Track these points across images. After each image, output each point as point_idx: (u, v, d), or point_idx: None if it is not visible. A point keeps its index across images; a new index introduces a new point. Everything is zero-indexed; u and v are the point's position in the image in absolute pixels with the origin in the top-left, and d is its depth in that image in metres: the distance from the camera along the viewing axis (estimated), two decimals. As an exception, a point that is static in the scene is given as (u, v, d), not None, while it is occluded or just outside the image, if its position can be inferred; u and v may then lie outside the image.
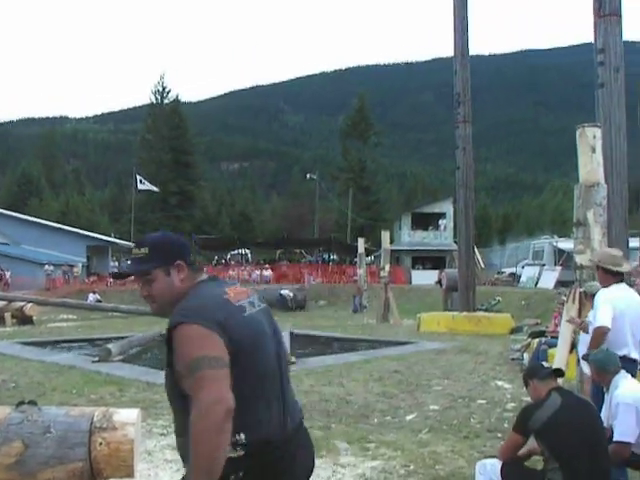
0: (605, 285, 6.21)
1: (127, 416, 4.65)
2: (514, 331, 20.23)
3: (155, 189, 66.94)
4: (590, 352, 5.52)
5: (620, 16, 12.50)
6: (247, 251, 60.44)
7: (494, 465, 4.36)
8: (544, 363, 6.42)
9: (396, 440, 7.34)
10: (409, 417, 8.51)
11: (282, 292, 36.20)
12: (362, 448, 7.03)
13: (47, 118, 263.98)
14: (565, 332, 8.02)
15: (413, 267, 55.64)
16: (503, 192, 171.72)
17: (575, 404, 4.14)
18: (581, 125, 8.54)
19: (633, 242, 28.08)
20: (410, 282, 49.70)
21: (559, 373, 4.63)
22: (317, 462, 6.44)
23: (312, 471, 2.79)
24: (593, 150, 8.32)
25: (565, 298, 8.97)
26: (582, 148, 8.38)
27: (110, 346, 14.11)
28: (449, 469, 6.30)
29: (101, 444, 4.47)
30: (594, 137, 8.36)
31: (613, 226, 10.67)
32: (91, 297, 36.04)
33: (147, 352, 17.35)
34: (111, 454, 4.47)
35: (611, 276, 6.18)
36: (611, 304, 5.93)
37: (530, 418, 4.08)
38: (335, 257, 58.59)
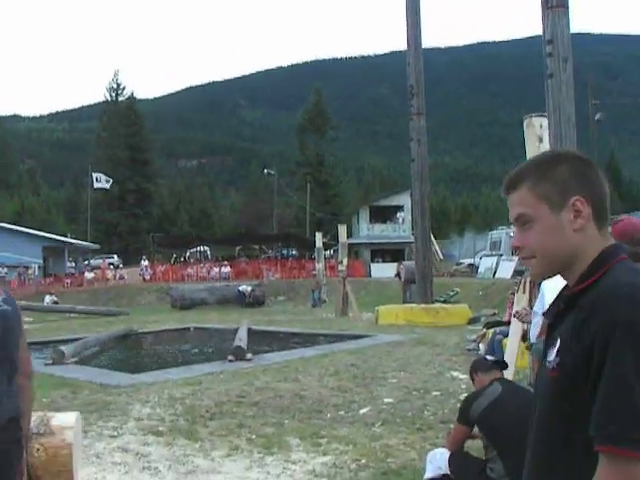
0: None
1: (65, 420, 4.56)
2: (472, 322, 20.38)
3: (110, 181, 66.16)
4: (536, 342, 5.53)
5: (567, 7, 12.55)
6: (206, 248, 60.11)
7: (444, 454, 4.36)
8: (490, 356, 6.41)
9: (348, 434, 7.31)
10: (363, 411, 8.48)
11: (240, 288, 36.09)
12: (314, 444, 6.98)
13: None
14: (515, 322, 8.07)
15: (372, 260, 55.88)
16: (462, 184, 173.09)
17: (515, 392, 4.15)
18: (528, 115, 8.58)
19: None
20: (369, 275, 49.91)
21: (503, 365, 4.64)
22: (268, 459, 6.44)
23: None
24: (540, 140, 8.38)
25: (516, 288, 9.04)
26: (529, 138, 8.43)
27: (64, 348, 13.89)
28: (400, 462, 6.29)
29: (39, 450, 4.38)
30: (541, 127, 8.42)
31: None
32: (47, 299, 35.54)
33: (102, 353, 17.14)
34: (49, 460, 4.37)
35: None
36: (555, 292, 5.94)
37: (471, 407, 4.08)
38: (294, 252, 58.55)
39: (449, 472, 4.26)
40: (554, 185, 1.71)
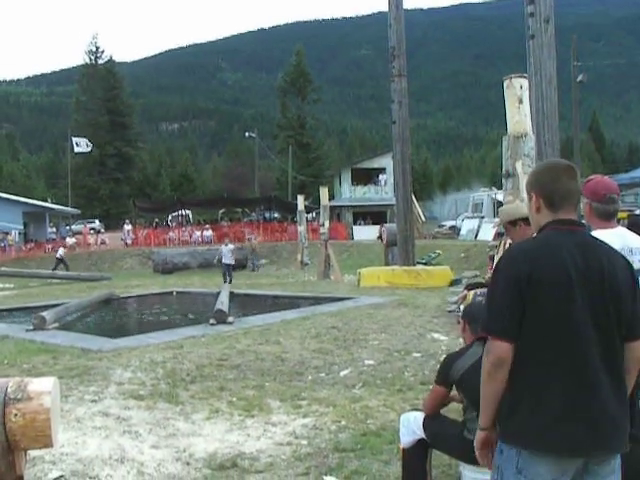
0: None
1: (43, 385, 4.52)
2: (453, 283, 20.49)
3: (90, 147, 65.48)
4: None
5: (549, -33, 12.47)
6: (188, 212, 59.87)
7: (417, 417, 4.36)
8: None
9: (329, 396, 7.34)
10: (343, 373, 8.52)
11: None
12: (294, 406, 7.01)
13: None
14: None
15: (354, 223, 55.95)
16: (444, 146, 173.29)
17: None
18: (508, 76, 8.51)
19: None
20: (352, 238, 49.96)
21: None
22: (248, 422, 6.47)
23: None
24: (520, 101, 8.32)
25: (495, 251, 9.05)
26: (509, 99, 8.36)
27: (45, 314, 13.81)
28: (380, 423, 6.33)
29: (16, 415, 4.35)
30: (521, 88, 8.35)
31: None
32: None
33: (84, 319, 17.10)
34: (27, 425, 4.34)
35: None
36: None
37: (451, 368, 4.07)
38: (276, 215, 58.47)
39: (424, 436, 4.26)
40: (527, 186, 2.90)
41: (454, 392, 4.27)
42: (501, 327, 2.59)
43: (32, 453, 5.14)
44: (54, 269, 34.44)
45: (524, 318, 2.56)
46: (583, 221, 3.43)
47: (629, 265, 2.77)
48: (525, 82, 8.39)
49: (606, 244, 2.81)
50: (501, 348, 2.57)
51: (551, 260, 2.60)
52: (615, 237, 3.99)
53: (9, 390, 4.44)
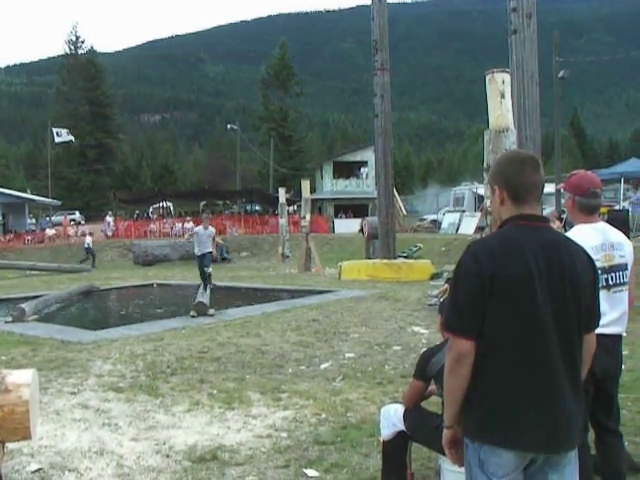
0: None
1: (22, 377, 4.50)
2: (434, 277, 20.52)
3: (72, 138, 64.94)
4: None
5: (531, -38, 12.50)
6: (169, 204, 59.63)
7: (397, 410, 4.37)
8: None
9: (309, 389, 7.35)
10: (324, 366, 8.53)
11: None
12: (275, 398, 7.01)
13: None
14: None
15: (336, 216, 55.96)
16: (426, 140, 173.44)
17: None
18: (490, 71, 8.52)
19: (548, 188, 28.81)
20: (333, 231, 49.98)
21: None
22: (229, 414, 6.46)
23: None
24: (502, 96, 8.32)
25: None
26: (491, 94, 8.37)
27: (24, 305, 13.74)
28: (360, 416, 6.35)
29: (-6, 408, 4.33)
30: (503, 82, 8.36)
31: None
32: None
33: (64, 310, 17.01)
34: (5, 417, 4.32)
35: None
36: None
37: (428, 363, 4.09)
38: (258, 208, 58.37)
39: (404, 428, 4.28)
40: (490, 178, 2.87)
41: (433, 386, 4.29)
42: (462, 325, 2.60)
43: (10, 446, 5.12)
44: (82, 261, 34.05)
45: (486, 315, 2.58)
46: (548, 214, 3.48)
47: (590, 261, 2.81)
48: (507, 77, 8.40)
49: (569, 240, 2.85)
50: (462, 345, 2.59)
51: (513, 258, 2.60)
52: (597, 232, 4.03)
53: (-13, 382, 4.42)
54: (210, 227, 16.19)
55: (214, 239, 16.32)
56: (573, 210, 4.09)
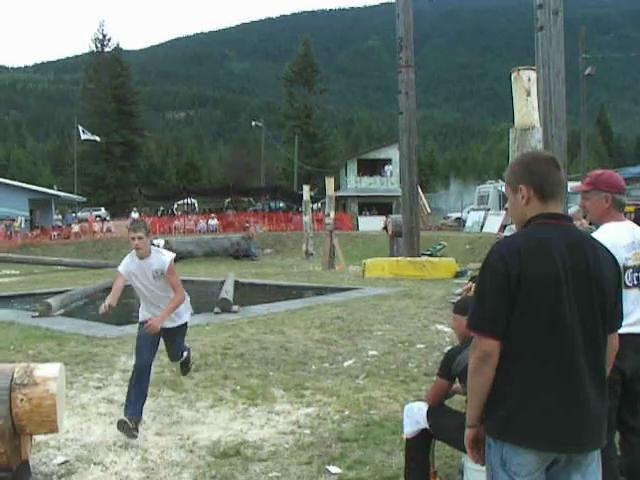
0: None
1: (48, 371, 4.57)
2: (458, 275, 20.46)
3: (97, 138, 65.49)
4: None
5: (559, -42, 12.39)
6: (194, 201, 59.91)
7: (421, 408, 4.38)
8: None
9: (332, 386, 7.37)
10: (347, 363, 8.54)
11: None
12: (298, 395, 7.04)
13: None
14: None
15: (360, 213, 55.92)
16: (451, 138, 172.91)
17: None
18: (516, 68, 8.48)
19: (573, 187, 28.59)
20: (357, 228, 49.95)
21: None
22: (252, 411, 6.49)
23: None
24: (528, 93, 8.28)
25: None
26: (517, 91, 8.33)
27: (50, 300, 13.87)
28: (383, 413, 6.35)
29: (22, 400, 4.41)
30: (529, 80, 8.32)
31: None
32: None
33: (89, 306, 17.14)
34: (33, 410, 4.40)
35: None
36: None
37: (453, 361, 4.09)
38: (282, 205, 58.47)
39: (428, 426, 4.28)
40: (512, 177, 2.83)
41: (457, 385, 4.29)
42: (487, 324, 2.61)
43: (37, 438, 5.19)
44: None
45: (512, 315, 2.58)
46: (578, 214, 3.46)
47: (615, 261, 2.81)
48: (533, 74, 8.35)
49: (593, 239, 2.85)
50: (487, 344, 2.60)
51: (541, 258, 2.60)
52: (627, 230, 4.01)
53: (15, 375, 4.51)
54: (162, 252, 6.81)
55: (175, 280, 6.65)
56: (610, 208, 4.04)
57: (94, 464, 5.18)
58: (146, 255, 6.44)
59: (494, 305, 2.59)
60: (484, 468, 2.77)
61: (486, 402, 2.67)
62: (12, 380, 4.46)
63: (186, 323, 6.98)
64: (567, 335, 2.58)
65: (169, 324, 6.52)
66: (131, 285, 6.61)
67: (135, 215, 48.99)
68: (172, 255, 6.77)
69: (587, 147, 40.79)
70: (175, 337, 6.82)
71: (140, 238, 6.36)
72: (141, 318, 6.64)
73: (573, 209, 21.17)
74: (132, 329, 11.48)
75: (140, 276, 6.45)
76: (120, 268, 6.61)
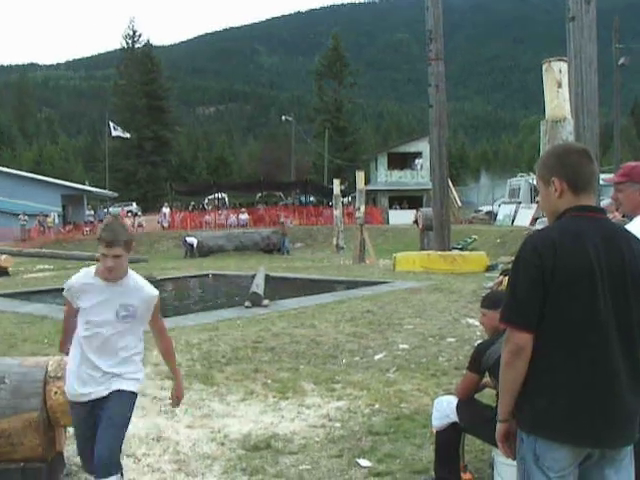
0: None
1: (81, 365, 4.62)
2: (489, 269, 20.33)
3: (127, 135, 66.02)
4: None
5: (590, -55, 12.22)
6: (224, 195, 60.13)
7: (451, 402, 4.37)
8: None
9: (363, 380, 7.37)
10: (378, 357, 8.54)
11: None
12: (328, 389, 7.05)
13: (16, 66, 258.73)
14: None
15: (390, 207, 55.79)
16: (481, 130, 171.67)
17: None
18: (547, 60, 8.38)
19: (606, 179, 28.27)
20: (387, 222, 49.85)
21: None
22: (283, 404, 6.50)
23: None
24: (559, 85, 8.18)
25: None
26: (548, 83, 8.24)
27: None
28: (414, 407, 6.35)
29: (56, 393, 4.47)
30: (560, 71, 8.22)
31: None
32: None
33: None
34: (66, 402, 4.45)
35: None
36: None
37: (483, 355, 4.08)
38: (312, 199, 58.52)
39: (457, 420, 4.28)
40: (544, 170, 2.79)
41: (487, 378, 4.28)
42: (521, 318, 2.59)
43: (71, 430, 5.25)
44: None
45: (545, 308, 2.56)
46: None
47: None
48: (564, 65, 8.25)
49: (628, 232, 2.81)
50: (520, 338, 2.58)
51: (575, 251, 2.57)
52: None
53: (49, 369, 4.57)
54: (141, 280, 4.22)
55: (162, 322, 4.57)
56: None
57: (126, 456, 5.22)
58: (118, 278, 4.01)
59: (527, 298, 2.57)
60: (515, 462, 2.76)
61: (518, 396, 2.65)
62: (46, 373, 4.53)
63: (135, 394, 4.16)
64: (601, 329, 2.55)
65: (102, 390, 3.95)
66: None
67: (166, 210, 49.30)
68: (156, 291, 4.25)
69: (620, 139, 40.28)
70: (111, 416, 3.92)
71: (117, 257, 3.89)
72: (69, 391, 4.04)
73: (605, 201, 20.93)
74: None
75: (98, 307, 3.97)
76: (67, 292, 4.16)
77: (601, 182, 12.97)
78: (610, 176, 4.78)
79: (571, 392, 2.55)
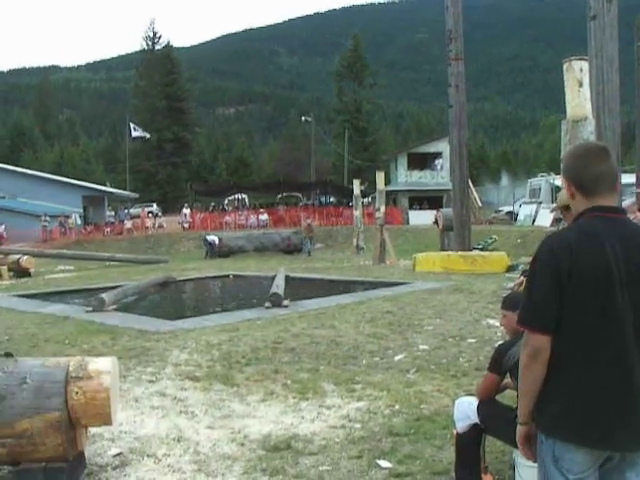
0: None
1: (102, 365, 4.66)
2: (510, 269, 20.22)
3: (147, 135, 66.34)
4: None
5: (612, -58, 12.13)
6: (244, 196, 60.28)
7: (472, 403, 4.36)
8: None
9: (383, 381, 7.36)
10: (398, 357, 8.51)
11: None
12: (349, 389, 7.04)
13: (38, 68, 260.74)
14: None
15: (410, 207, 55.66)
16: (501, 130, 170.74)
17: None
18: (568, 59, 8.33)
19: (628, 178, 28.03)
20: (407, 222, 49.77)
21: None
22: (303, 405, 6.51)
23: None
24: (580, 84, 8.13)
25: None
26: (569, 82, 8.18)
27: (104, 295, 14.09)
28: (434, 408, 6.32)
29: (77, 393, 4.50)
30: (581, 71, 8.17)
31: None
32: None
33: (142, 301, 17.39)
34: (88, 403, 4.49)
35: None
36: None
37: (504, 356, 4.06)
38: (332, 200, 58.50)
39: (478, 421, 4.26)
40: (562, 171, 2.88)
41: (508, 380, 4.25)
42: (538, 320, 2.58)
43: (92, 430, 5.29)
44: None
45: (563, 310, 2.54)
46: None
47: None
48: (585, 65, 8.20)
49: None
50: (538, 340, 2.57)
51: (592, 252, 2.55)
52: None
53: (71, 369, 4.60)
54: None
55: None
56: None
57: (147, 456, 5.25)
58: None
59: (544, 300, 2.55)
60: (536, 464, 2.75)
61: (537, 399, 2.64)
62: (67, 373, 4.56)
63: None
64: (619, 332, 2.52)
65: None
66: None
67: (186, 211, 49.50)
68: None
69: (642, 138, 39.84)
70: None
71: None
72: None
73: (627, 201, 20.80)
74: (183, 324, 11.65)
75: None
76: None
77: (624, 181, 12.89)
78: (632, 175, 4.73)
79: (589, 395, 2.53)
